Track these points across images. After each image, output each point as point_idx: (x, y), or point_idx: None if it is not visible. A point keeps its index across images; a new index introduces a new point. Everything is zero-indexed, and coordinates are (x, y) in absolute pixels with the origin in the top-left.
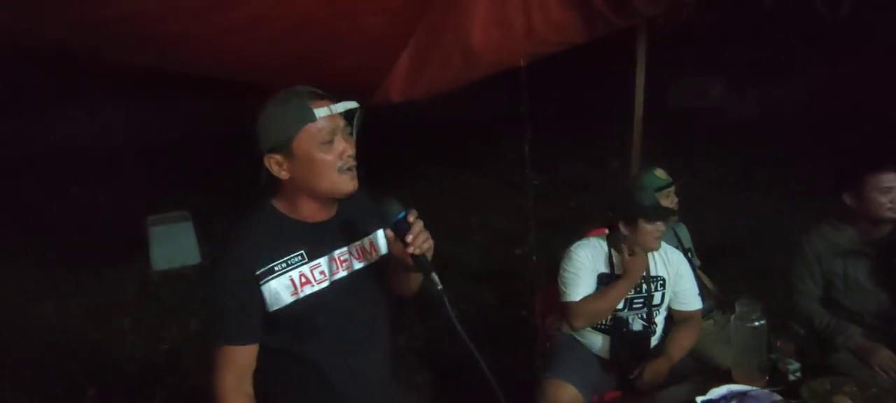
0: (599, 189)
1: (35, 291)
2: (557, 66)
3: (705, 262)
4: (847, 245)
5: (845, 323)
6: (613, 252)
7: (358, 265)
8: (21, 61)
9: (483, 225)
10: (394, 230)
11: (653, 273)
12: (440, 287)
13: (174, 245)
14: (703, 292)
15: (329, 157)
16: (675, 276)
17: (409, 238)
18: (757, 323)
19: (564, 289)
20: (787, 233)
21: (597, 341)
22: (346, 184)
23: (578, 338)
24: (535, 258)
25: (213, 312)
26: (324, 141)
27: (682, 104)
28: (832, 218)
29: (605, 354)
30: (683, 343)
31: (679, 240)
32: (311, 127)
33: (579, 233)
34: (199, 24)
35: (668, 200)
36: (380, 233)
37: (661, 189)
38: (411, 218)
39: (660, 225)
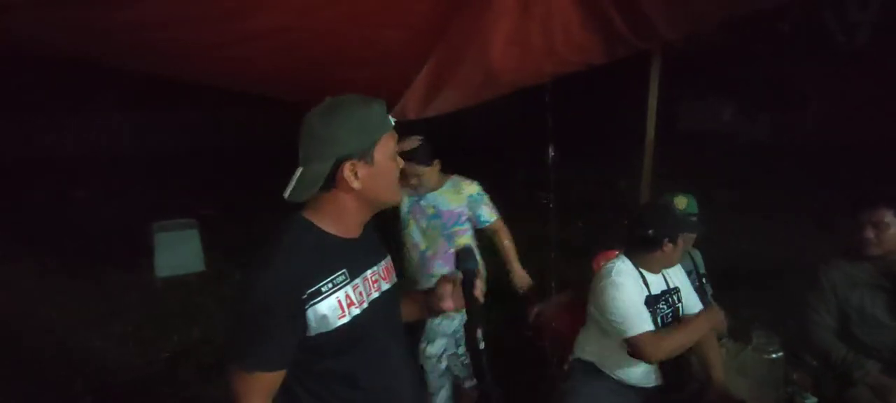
0: (608, 209)
1: (37, 296)
2: (568, 84)
3: (715, 289)
4: (864, 278)
5: (863, 358)
6: (643, 272)
7: (385, 286)
8: (31, 67)
9: (490, 244)
10: (465, 274)
11: (671, 285)
12: (483, 346)
13: (179, 252)
14: None
15: (395, 167)
16: (683, 283)
17: (477, 290)
18: (774, 355)
19: (628, 321)
20: (799, 261)
21: (635, 371)
22: (399, 195)
23: (602, 368)
24: (548, 278)
25: (245, 334)
26: (394, 150)
27: (694, 127)
28: (849, 250)
29: (646, 382)
30: (717, 360)
31: (694, 265)
32: (387, 135)
33: (590, 254)
34: (215, 33)
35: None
36: (389, 258)
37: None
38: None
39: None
